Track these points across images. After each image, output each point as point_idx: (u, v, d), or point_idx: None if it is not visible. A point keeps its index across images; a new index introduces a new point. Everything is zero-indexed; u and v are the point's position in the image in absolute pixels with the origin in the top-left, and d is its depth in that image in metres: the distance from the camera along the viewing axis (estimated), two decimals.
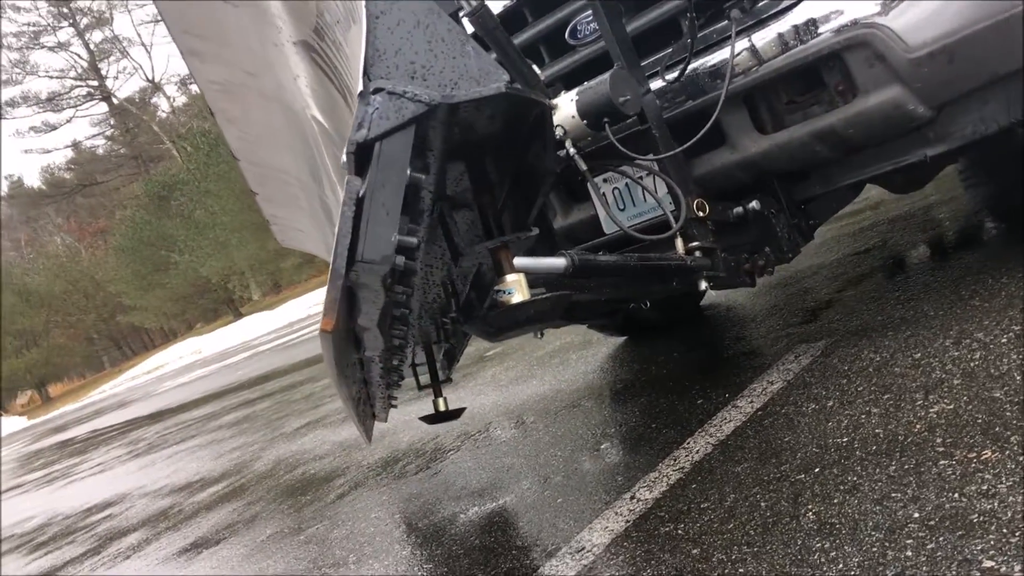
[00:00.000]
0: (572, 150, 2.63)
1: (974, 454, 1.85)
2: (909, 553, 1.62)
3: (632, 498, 2.45)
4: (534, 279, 2.51)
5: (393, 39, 1.10)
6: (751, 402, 2.76)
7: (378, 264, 1.07)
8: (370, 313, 1.37)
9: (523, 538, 2.53)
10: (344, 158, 1.10)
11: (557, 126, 2.62)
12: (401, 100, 1.08)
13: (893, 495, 1.85)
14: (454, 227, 1.53)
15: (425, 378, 3.15)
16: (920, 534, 1.67)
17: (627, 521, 2.32)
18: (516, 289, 1.53)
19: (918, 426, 2.09)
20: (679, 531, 2.13)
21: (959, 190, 4.37)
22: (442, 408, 2.96)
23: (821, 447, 2.22)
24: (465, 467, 3.46)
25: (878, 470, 1.98)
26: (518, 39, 3.23)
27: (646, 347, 4.10)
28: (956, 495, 1.74)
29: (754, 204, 2.84)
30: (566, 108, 2.61)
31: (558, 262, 2.35)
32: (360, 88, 1.09)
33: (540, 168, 1.37)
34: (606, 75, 2.54)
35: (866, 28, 2.48)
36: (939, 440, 1.98)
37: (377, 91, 1.08)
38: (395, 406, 3.54)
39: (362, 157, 1.11)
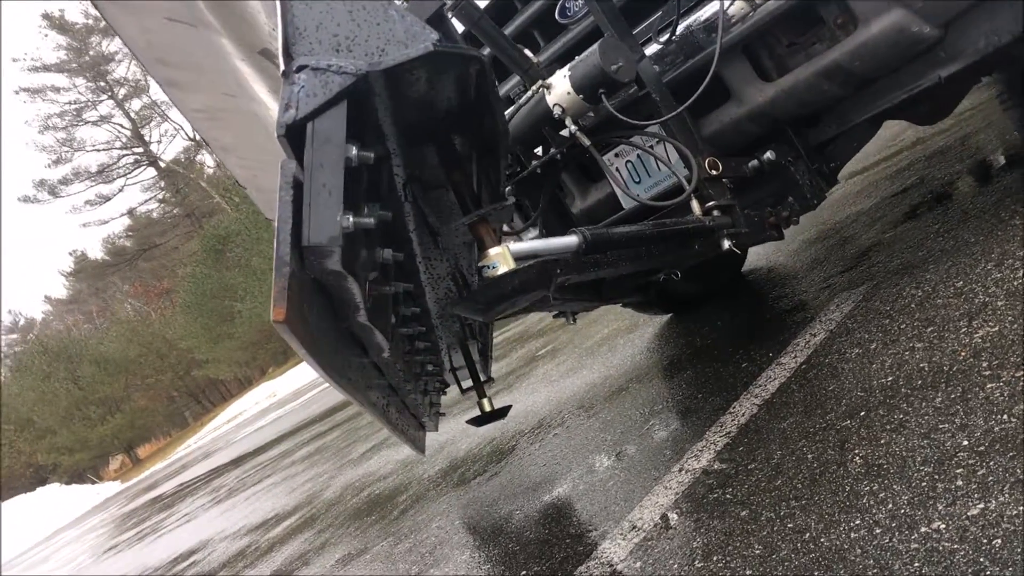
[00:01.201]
0: (573, 127, 2.59)
1: (1021, 372, 1.75)
2: (960, 483, 1.53)
3: (681, 470, 2.38)
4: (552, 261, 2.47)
5: (312, 14, 1.06)
6: (795, 357, 2.66)
7: (327, 247, 1.03)
8: (356, 308, 1.34)
9: (576, 526, 2.47)
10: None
11: (555, 105, 2.58)
12: (326, 75, 1.05)
13: (941, 426, 1.75)
14: (428, 209, 1.49)
15: (467, 383, 3.14)
16: (970, 461, 1.57)
17: (676, 494, 2.25)
18: (500, 262, 1.48)
19: (963, 353, 1.99)
20: (727, 495, 2.05)
21: (996, 114, 4.21)
22: (488, 409, 2.92)
23: (866, 390, 2.13)
24: (520, 465, 3.41)
25: (924, 404, 1.88)
26: (510, 28, 3.20)
27: (690, 321, 4.01)
28: (1005, 416, 1.64)
29: (769, 155, 2.75)
30: (560, 85, 2.56)
31: (570, 240, 2.29)
32: (282, 68, 1.07)
33: (495, 130, 1.33)
34: (595, 45, 2.49)
35: None
36: (985, 364, 1.88)
37: (301, 68, 1.05)
38: (443, 414, 3.52)
39: (296, 139, 1.08)
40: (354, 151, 1.11)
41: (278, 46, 1.04)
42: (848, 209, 4.21)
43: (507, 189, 3.29)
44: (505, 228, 3.40)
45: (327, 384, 1.49)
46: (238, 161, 2.53)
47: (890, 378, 2.11)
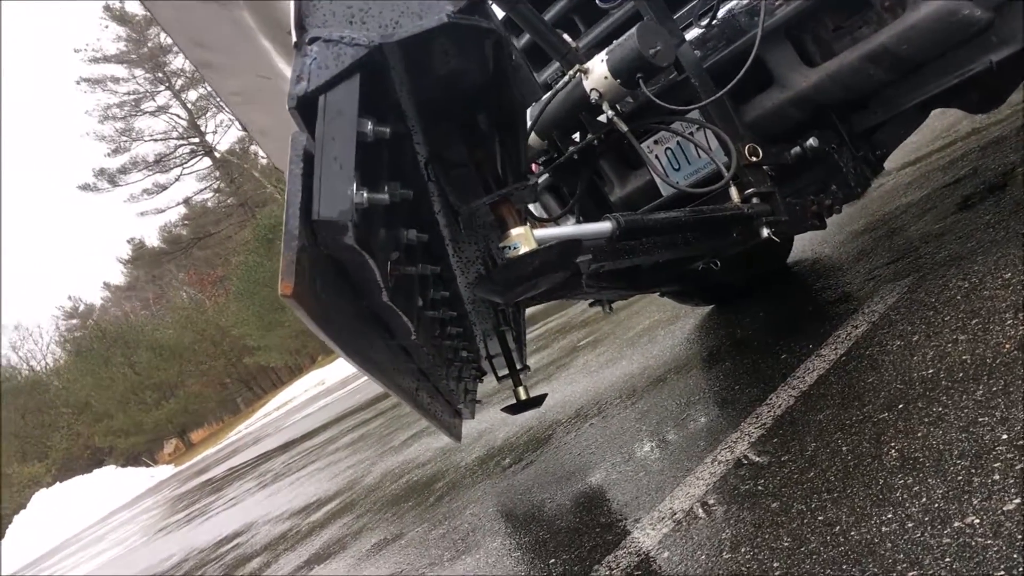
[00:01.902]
0: (610, 112, 2.55)
1: None
2: (996, 477, 1.48)
3: (714, 461, 2.34)
4: (584, 247, 2.45)
5: None
6: (835, 349, 2.60)
7: (337, 221, 1.02)
8: (377, 288, 1.33)
9: (607, 514, 2.44)
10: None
11: (592, 90, 2.55)
12: (339, 47, 1.03)
13: (980, 420, 1.69)
14: (449, 188, 1.47)
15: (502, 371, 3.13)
16: (1009, 455, 1.52)
17: (708, 484, 2.21)
18: (522, 242, 1.46)
19: (1007, 346, 1.92)
20: (759, 487, 2.01)
21: None
22: (523, 397, 2.91)
23: (906, 383, 2.07)
24: (555, 454, 3.39)
25: (964, 397, 1.82)
26: (550, 12, 3.17)
27: (732, 312, 3.95)
28: None
29: (812, 141, 2.69)
30: (598, 69, 2.53)
31: (604, 226, 2.27)
32: (295, 40, 1.06)
33: (513, 105, 1.30)
34: (633, 28, 2.46)
35: None
36: None
37: (313, 40, 1.04)
38: (480, 402, 3.52)
39: (307, 112, 1.07)
40: (369, 126, 1.10)
41: (291, 16, 1.04)
42: (898, 200, 4.11)
43: (543, 176, 3.27)
44: (543, 215, 3.38)
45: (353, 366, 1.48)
46: (275, 144, 2.54)
47: (931, 370, 2.05)
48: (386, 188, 1.23)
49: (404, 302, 1.55)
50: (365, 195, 1.11)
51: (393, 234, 1.44)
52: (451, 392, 2.67)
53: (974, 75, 2.53)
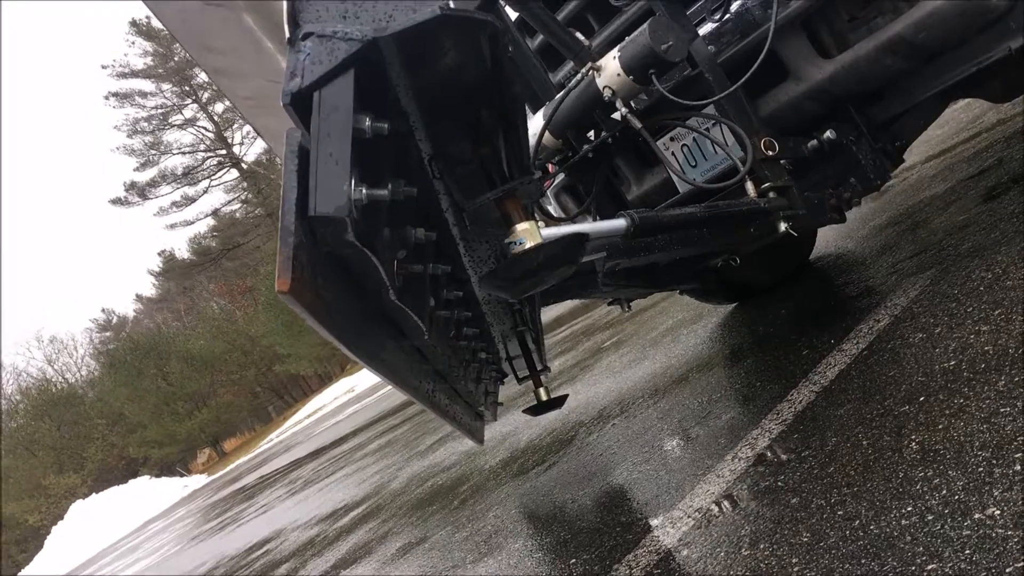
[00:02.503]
0: (624, 110, 2.54)
1: None
2: (1018, 467, 1.45)
3: (734, 458, 2.31)
4: (599, 247, 2.43)
5: None
6: (857, 344, 2.57)
7: (334, 216, 1.01)
8: (384, 287, 1.33)
9: (628, 514, 2.43)
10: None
11: (605, 87, 2.54)
12: (332, 41, 1.03)
13: (1002, 411, 1.66)
14: (453, 185, 1.47)
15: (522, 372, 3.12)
16: None
17: (728, 482, 2.19)
18: (528, 238, 1.45)
19: None
20: (779, 483, 1.99)
21: None
22: (544, 398, 2.90)
23: (927, 375, 2.03)
24: (578, 455, 3.37)
25: (987, 388, 1.79)
26: (564, 11, 3.17)
27: (755, 310, 3.91)
28: None
29: (829, 134, 2.66)
30: (610, 66, 2.52)
31: (618, 223, 2.25)
32: (287, 36, 1.06)
33: (515, 101, 1.30)
34: (645, 25, 2.44)
35: None
36: None
37: (307, 36, 1.04)
38: (502, 404, 3.51)
39: (302, 108, 1.07)
40: (367, 122, 1.10)
41: (284, 13, 1.04)
42: (922, 194, 4.05)
43: (560, 178, 3.26)
44: (559, 213, 3.37)
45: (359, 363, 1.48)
46: None
47: (953, 362, 2.01)
48: (389, 185, 1.22)
49: (414, 302, 1.55)
50: (364, 191, 1.11)
51: (399, 232, 1.43)
52: (470, 394, 2.66)
53: (994, 63, 2.49)
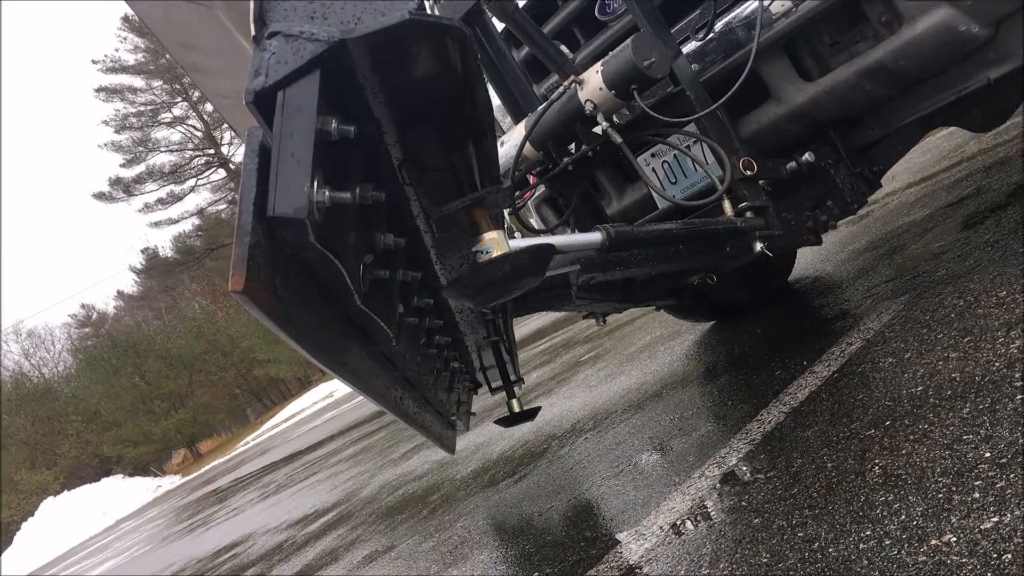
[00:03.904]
0: (605, 124, 2.54)
1: None
2: (976, 495, 1.45)
3: (701, 476, 2.31)
4: (575, 259, 2.43)
5: None
6: (828, 366, 2.58)
7: (292, 217, 1.00)
8: (347, 292, 1.32)
9: (593, 528, 2.42)
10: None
11: (587, 101, 2.54)
12: (298, 41, 1.03)
13: (964, 438, 1.66)
14: (421, 192, 1.46)
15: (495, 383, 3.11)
16: (990, 474, 1.49)
17: (693, 499, 2.18)
18: (495, 246, 1.44)
19: (997, 364, 1.89)
20: (743, 503, 1.98)
21: None
22: (516, 409, 2.89)
23: (894, 400, 2.04)
24: (548, 468, 3.36)
25: (951, 414, 1.79)
26: (551, 24, 3.18)
27: (732, 330, 3.92)
28: None
29: (808, 156, 2.68)
30: (592, 80, 2.52)
31: (594, 237, 2.25)
32: (253, 34, 1.05)
33: (481, 107, 1.29)
34: (628, 40, 2.45)
35: None
36: (1018, 375, 1.78)
37: (273, 35, 1.04)
38: (474, 414, 3.49)
39: (266, 107, 1.06)
40: (333, 124, 1.09)
41: (250, 11, 1.03)
42: (901, 219, 4.08)
43: (541, 190, 3.26)
44: (539, 226, 3.37)
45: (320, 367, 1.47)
46: None
47: (920, 388, 2.02)
48: (357, 191, 1.21)
49: (382, 308, 1.54)
50: (327, 193, 1.10)
51: (366, 237, 1.42)
52: (442, 403, 2.64)
53: (973, 93, 2.51)
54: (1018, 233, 2.75)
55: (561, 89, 2.61)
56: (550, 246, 1.57)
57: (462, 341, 2.64)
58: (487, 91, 1.30)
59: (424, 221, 1.70)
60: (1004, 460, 1.50)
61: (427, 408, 2.48)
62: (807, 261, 4.41)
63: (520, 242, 1.73)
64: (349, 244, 1.30)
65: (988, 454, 1.56)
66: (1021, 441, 1.53)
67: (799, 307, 3.69)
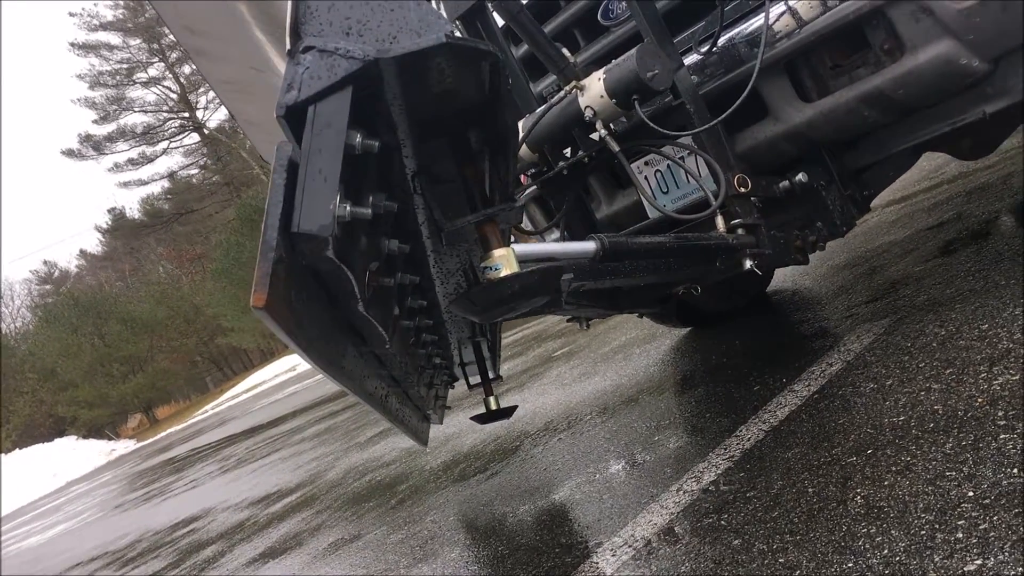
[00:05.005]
0: (603, 131, 2.54)
1: None
2: (960, 535, 1.47)
3: (679, 490, 2.33)
4: (566, 265, 2.43)
5: None
6: (808, 386, 2.60)
7: (317, 235, 0.99)
8: (353, 298, 1.31)
9: (568, 535, 2.43)
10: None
11: (587, 107, 2.54)
12: (333, 58, 1.01)
13: (948, 474, 1.69)
14: (434, 203, 1.45)
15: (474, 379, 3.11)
16: (974, 514, 1.51)
17: (671, 514, 2.20)
18: (504, 264, 1.44)
19: (980, 400, 1.92)
20: (722, 522, 2.00)
21: None
22: (493, 407, 2.90)
23: (876, 428, 2.07)
24: (521, 466, 3.37)
25: (934, 448, 1.82)
26: (552, 25, 3.16)
27: (708, 338, 3.95)
28: (1015, 471, 1.58)
29: (801, 177, 2.69)
30: (594, 87, 2.52)
31: (587, 246, 2.25)
32: (288, 47, 1.03)
33: (506, 130, 1.29)
34: (633, 50, 2.45)
35: None
36: (1000, 413, 1.81)
37: (307, 49, 1.02)
38: (449, 408, 3.49)
39: (295, 121, 1.04)
40: (358, 138, 1.08)
41: (287, 23, 1.02)
42: (881, 238, 4.12)
43: (531, 189, 3.25)
44: (528, 227, 3.36)
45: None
46: (263, 136, 2.51)
47: (902, 417, 2.05)
48: (371, 200, 1.20)
49: (381, 312, 1.53)
50: (348, 208, 1.09)
51: (374, 244, 1.41)
52: (421, 398, 2.64)
53: (967, 124, 2.54)
54: (999, 264, 2.79)
55: (562, 94, 2.60)
56: (559, 268, 1.57)
57: (446, 338, 2.64)
58: (513, 112, 1.30)
59: (428, 227, 1.70)
60: (987, 501, 1.53)
61: (407, 403, 2.48)
62: (785, 273, 4.45)
63: (523, 248, 1.72)
64: (359, 253, 1.30)
65: (971, 493, 1.58)
66: (1004, 483, 1.56)
67: (777, 320, 3.73)
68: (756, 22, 2.63)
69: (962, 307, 2.57)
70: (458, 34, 1.51)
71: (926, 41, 2.36)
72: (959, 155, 3.22)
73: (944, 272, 3.04)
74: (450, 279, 2.09)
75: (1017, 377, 1.93)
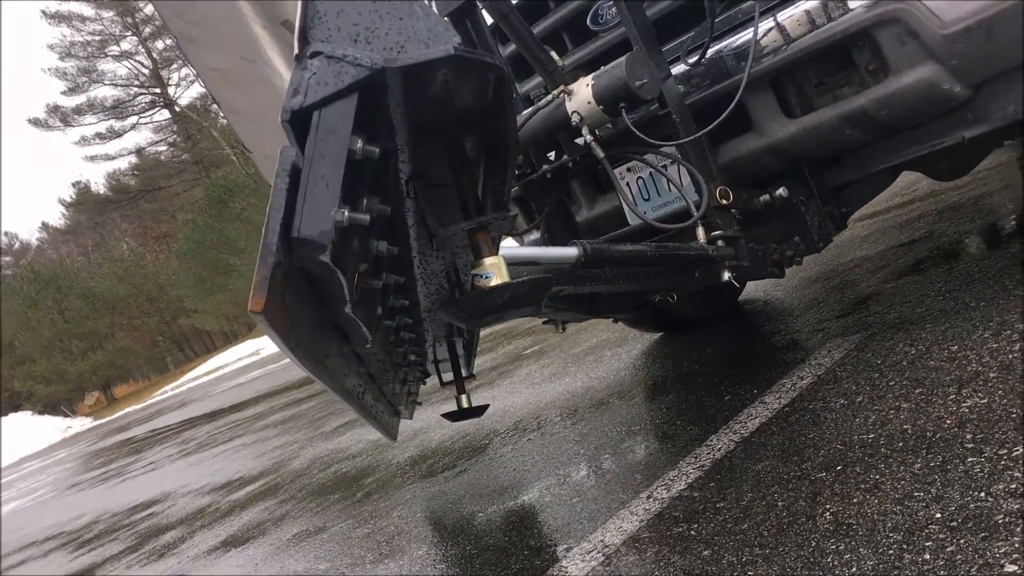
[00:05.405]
0: (589, 137, 2.55)
1: (1005, 451, 1.72)
2: (927, 556, 1.51)
3: (649, 497, 2.35)
4: (547, 270, 2.44)
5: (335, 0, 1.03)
6: (779, 398, 2.64)
7: (317, 240, 0.99)
8: (341, 300, 1.31)
9: (537, 538, 2.44)
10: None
11: (573, 112, 2.55)
12: (341, 64, 1.01)
13: (916, 494, 1.72)
14: (427, 209, 1.46)
15: (448, 376, 3.11)
16: (940, 536, 1.55)
17: (641, 521, 2.22)
18: (494, 272, 1.45)
19: (948, 421, 1.96)
20: (692, 532, 2.03)
21: (1015, 177, 4.19)
22: (465, 405, 2.90)
23: (846, 444, 2.10)
24: (490, 465, 3.38)
25: (902, 468, 1.85)
26: (541, 27, 3.16)
27: (680, 343, 3.98)
28: (982, 494, 1.61)
29: (781, 191, 2.72)
30: (582, 93, 2.53)
31: (570, 251, 2.27)
32: (296, 51, 1.03)
33: (507, 140, 1.29)
34: (622, 58, 2.46)
35: (897, 3, 2.34)
36: (969, 436, 1.85)
37: (315, 55, 1.02)
38: (420, 403, 3.49)
39: (300, 126, 1.04)
40: (359, 144, 1.08)
41: (295, 26, 1.01)
42: (853, 253, 4.18)
43: (513, 190, 3.26)
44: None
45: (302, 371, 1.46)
46: (247, 125, 2.49)
47: (872, 435, 2.08)
48: (365, 203, 1.20)
49: (365, 312, 1.53)
50: (347, 214, 1.09)
51: (365, 246, 1.41)
52: (395, 395, 2.64)
53: (945, 147, 2.58)
54: (970, 285, 2.84)
55: (550, 97, 2.61)
56: (549, 279, 1.58)
57: (423, 335, 2.63)
58: (514, 122, 1.30)
59: (416, 229, 1.69)
60: (954, 523, 1.56)
61: (381, 399, 2.48)
62: (758, 283, 4.49)
63: (506, 250, 1.73)
64: (351, 255, 1.29)
65: (939, 515, 1.61)
66: (972, 506, 1.59)
67: (748, 329, 3.77)
68: (744, 36, 2.65)
69: (932, 327, 2.61)
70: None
71: (911, 64, 2.39)
72: (935, 176, 3.27)
73: (915, 290, 3.08)
74: (433, 280, 2.08)
75: (985, 401, 1.97)
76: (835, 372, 2.63)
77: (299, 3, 1.00)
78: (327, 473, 4.69)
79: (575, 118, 2.52)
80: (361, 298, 1.47)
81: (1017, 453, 1.69)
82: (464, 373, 3.04)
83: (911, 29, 2.35)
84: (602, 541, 2.20)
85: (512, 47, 3.26)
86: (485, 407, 2.85)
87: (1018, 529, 1.46)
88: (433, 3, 2.57)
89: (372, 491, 3.81)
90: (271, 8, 1.74)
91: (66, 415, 47.89)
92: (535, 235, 3.21)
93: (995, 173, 4.45)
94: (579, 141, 2.63)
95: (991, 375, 2.09)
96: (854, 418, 2.23)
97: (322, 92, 1.01)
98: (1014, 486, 1.59)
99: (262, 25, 1.79)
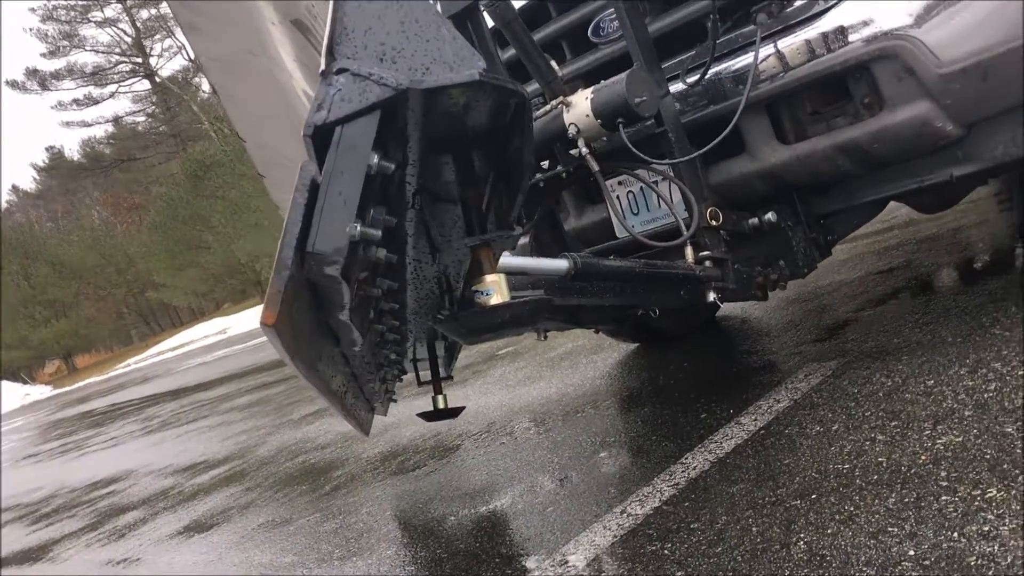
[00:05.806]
0: (584, 149, 2.56)
1: (978, 492, 1.75)
2: None
3: (623, 512, 2.36)
4: (535, 280, 2.45)
5: (363, 16, 1.02)
6: (755, 420, 2.66)
7: (330, 256, 1.00)
8: (338, 308, 1.31)
9: (508, 546, 2.45)
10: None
11: (571, 124, 2.56)
12: (366, 83, 1.01)
13: (889, 529, 1.75)
14: (432, 222, 1.46)
15: (425, 374, 3.11)
16: (913, 573, 1.57)
17: (614, 536, 2.23)
18: (495, 290, 1.45)
19: (923, 457, 1.99)
20: (665, 551, 2.04)
21: (992, 212, 4.26)
22: (441, 406, 2.90)
23: (821, 472, 2.13)
24: (462, 467, 3.39)
25: (877, 501, 1.88)
26: (540, 34, 3.16)
27: (656, 356, 4.01)
28: (955, 534, 1.64)
29: (770, 216, 2.75)
30: (580, 106, 2.54)
31: (560, 264, 2.28)
32: (323, 67, 1.03)
33: (521, 162, 1.30)
34: (623, 74, 2.47)
35: (897, 40, 2.37)
36: (943, 474, 1.88)
37: (341, 71, 1.02)
38: (395, 400, 3.49)
39: (320, 141, 1.04)
40: (375, 159, 1.08)
41: (323, 42, 1.01)
42: (831, 277, 4.23)
43: None
44: None
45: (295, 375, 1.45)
46: (243, 114, 2.47)
47: (847, 465, 2.11)
48: (372, 213, 1.21)
49: (359, 317, 1.53)
50: (359, 229, 1.09)
51: (367, 254, 1.41)
52: (374, 392, 2.64)
53: (933, 184, 2.62)
54: (946, 319, 2.89)
55: (548, 107, 2.61)
56: (548, 300, 1.58)
57: (406, 336, 2.63)
58: (531, 147, 1.30)
59: (415, 238, 1.70)
60: (928, 562, 1.59)
61: (360, 397, 2.48)
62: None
63: (503, 260, 1.73)
64: (355, 266, 1.30)
65: (912, 552, 1.64)
66: (945, 545, 1.62)
67: (726, 348, 3.80)
68: (744, 60, 2.67)
69: (909, 359, 2.65)
70: None
71: (906, 100, 2.42)
72: (919, 208, 3.32)
73: (892, 320, 3.13)
74: (424, 285, 2.08)
75: (960, 439, 2.01)
76: (811, 398, 2.66)
77: (329, 17, 1.00)
78: (295, 463, 4.67)
79: (572, 130, 2.53)
80: (357, 304, 1.47)
81: (991, 495, 1.72)
82: (443, 374, 3.04)
83: (909, 66, 2.38)
84: (574, 555, 2.21)
85: (511, 52, 3.26)
86: (461, 409, 2.85)
87: (990, 572, 1.48)
88: (438, 4, 2.57)
89: (340, 485, 3.81)
90: (282, 6, 1.74)
91: (25, 382, 47.23)
92: (523, 241, 3.21)
93: (973, 207, 4.51)
94: (573, 152, 2.64)
95: (966, 413, 2.13)
96: (830, 446, 2.26)
97: (346, 109, 1.01)
98: (987, 528, 1.62)
99: (273, 22, 1.78)
